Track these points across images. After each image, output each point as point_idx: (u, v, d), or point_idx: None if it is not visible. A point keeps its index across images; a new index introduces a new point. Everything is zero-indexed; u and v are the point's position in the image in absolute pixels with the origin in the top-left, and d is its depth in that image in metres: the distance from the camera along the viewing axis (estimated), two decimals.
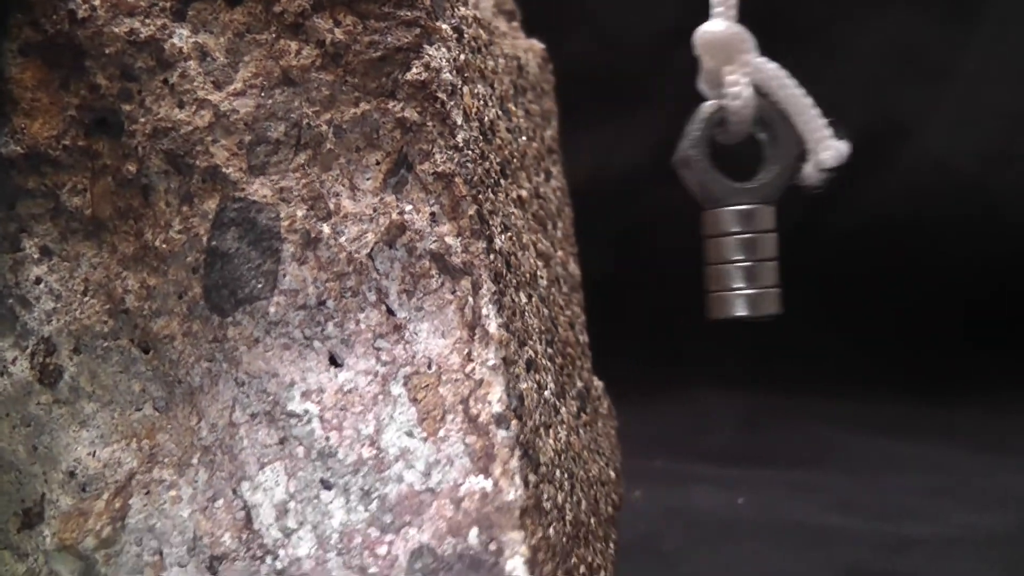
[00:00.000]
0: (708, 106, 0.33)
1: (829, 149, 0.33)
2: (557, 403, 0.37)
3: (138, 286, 0.34)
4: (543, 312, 0.37)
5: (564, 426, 0.37)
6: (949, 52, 0.79)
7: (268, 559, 0.33)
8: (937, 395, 0.76)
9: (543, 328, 0.36)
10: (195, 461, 0.34)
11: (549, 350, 0.37)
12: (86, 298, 0.34)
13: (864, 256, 0.81)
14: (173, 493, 0.34)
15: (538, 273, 0.37)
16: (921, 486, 0.59)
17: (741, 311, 0.34)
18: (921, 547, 0.49)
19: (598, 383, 0.42)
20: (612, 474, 0.41)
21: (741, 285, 0.33)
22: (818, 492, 0.58)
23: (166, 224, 0.33)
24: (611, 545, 0.39)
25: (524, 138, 0.39)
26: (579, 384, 0.40)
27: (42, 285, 0.34)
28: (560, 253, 0.41)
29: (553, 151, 0.43)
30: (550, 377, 0.36)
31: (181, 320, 0.33)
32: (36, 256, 0.34)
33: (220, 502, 0.33)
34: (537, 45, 0.43)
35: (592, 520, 0.38)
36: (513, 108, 0.38)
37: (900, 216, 0.80)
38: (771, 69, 0.33)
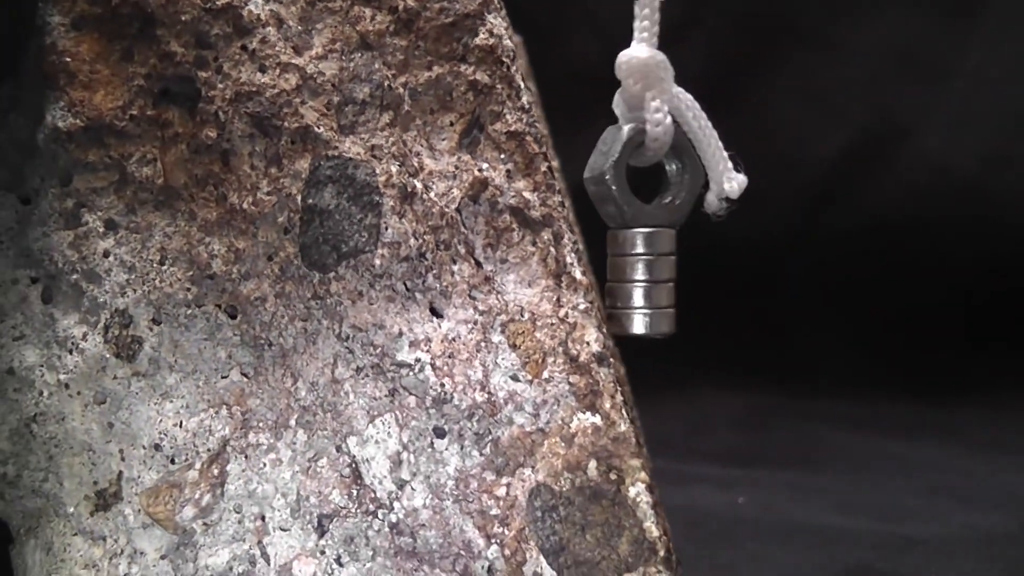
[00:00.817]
0: (629, 128, 0.35)
1: (731, 181, 0.34)
2: (616, 351, 0.38)
3: (224, 250, 0.34)
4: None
5: (620, 373, 0.38)
6: (949, 52, 0.79)
7: (381, 513, 0.33)
8: (937, 395, 0.76)
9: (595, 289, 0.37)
10: (293, 423, 0.34)
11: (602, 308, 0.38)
12: (164, 267, 0.34)
13: (864, 256, 0.81)
14: (272, 456, 0.34)
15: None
16: (921, 486, 0.59)
17: (639, 329, 0.35)
18: (921, 547, 0.49)
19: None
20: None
21: (640, 304, 0.35)
22: (818, 492, 0.59)
23: (253, 187, 0.33)
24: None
25: (540, 115, 0.40)
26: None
27: (111, 258, 0.33)
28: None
29: (550, 135, 0.44)
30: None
31: (272, 281, 0.34)
32: (101, 230, 0.33)
33: (324, 460, 0.34)
34: (517, 38, 0.45)
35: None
36: (531, 87, 0.39)
37: (900, 217, 0.80)
38: (688, 99, 0.35)
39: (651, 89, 0.34)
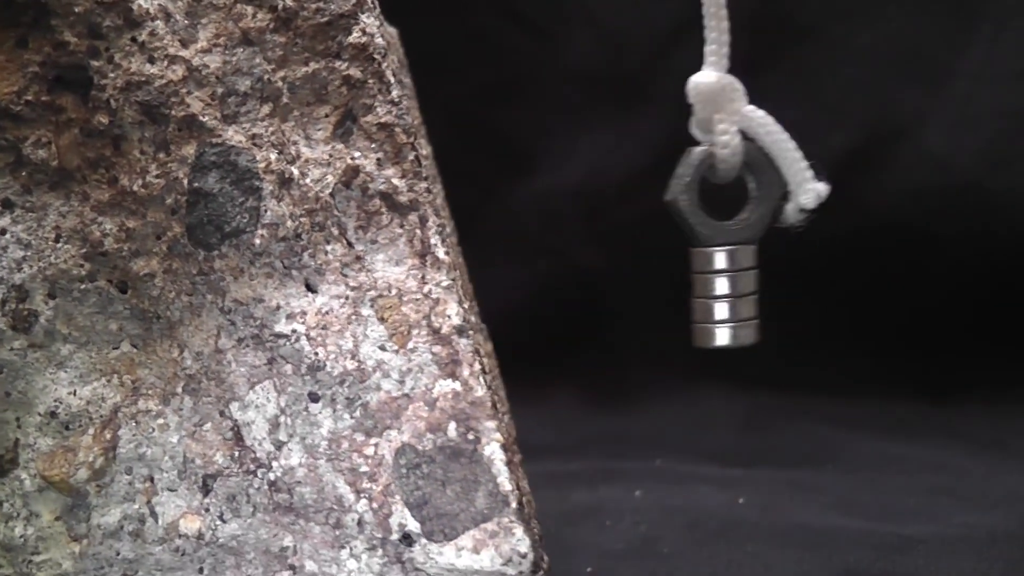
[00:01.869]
0: (698, 151, 0.36)
1: (810, 192, 0.36)
2: (482, 328, 0.42)
3: (116, 229, 0.35)
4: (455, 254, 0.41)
5: (484, 348, 0.41)
6: (949, 52, 0.79)
7: (261, 472, 0.36)
8: (937, 395, 0.76)
9: (461, 269, 0.40)
10: (179, 390, 0.36)
11: (468, 287, 0.41)
12: (59, 244, 0.35)
13: (863, 256, 0.81)
14: (161, 421, 0.36)
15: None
16: (921, 486, 0.59)
17: (723, 341, 0.37)
18: (921, 547, 0.48)
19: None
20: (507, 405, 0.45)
21: (724, 318, 0.36)
22: (818, 492, 0.58)
23: (142, 170, 0.35)
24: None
25: (413, 106, 0.42)
26: (475, 319, 0.44)
27: (7, 235, 0.35)
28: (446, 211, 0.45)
29: (422, 124, 0.46)
30: (474, 307, 0.41)
31: (161, 259, 0.36)
32: None
33: (208, 425, 0.36)
34: (392, 29, 0.47)
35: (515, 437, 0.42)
36: (404, 80, 0.42)
37: (900, 216, 0.80)
38: (759, 116, 0.37)
39: (719, 112, 0.36)
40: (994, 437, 0.69)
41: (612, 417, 0.77)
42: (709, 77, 0.35)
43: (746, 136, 0.36)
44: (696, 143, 0.36)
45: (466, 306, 0.37)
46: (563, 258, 0.82)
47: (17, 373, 0.36)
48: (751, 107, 0.35)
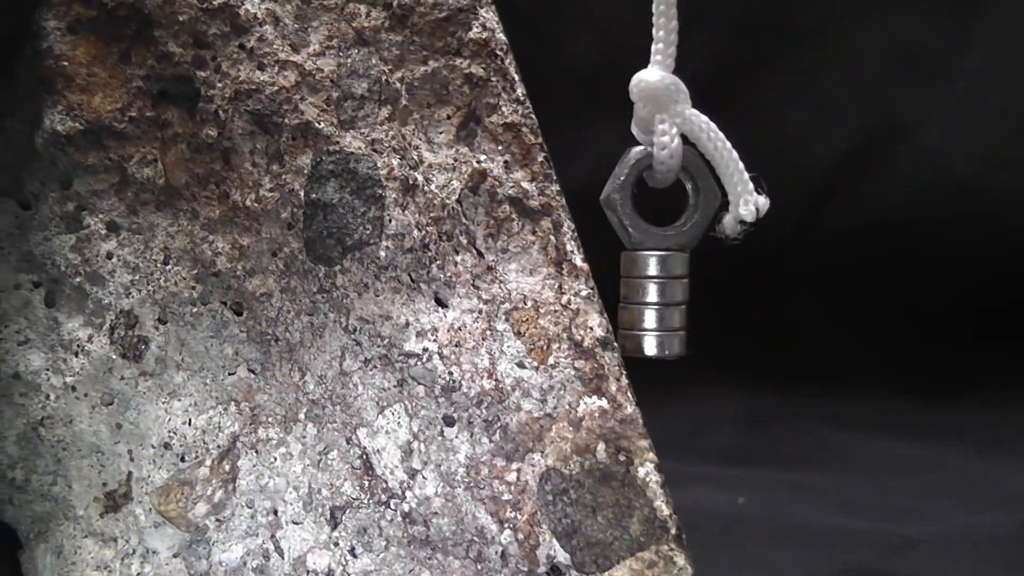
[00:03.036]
0: (636, 151, 0.35)
1: (748, 204, 0.34)
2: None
3: (229, 247, 0.34)
4: None
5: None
6: (949, 52, 0.79)
7: (393, 502, 0.33)
8: (937, 395, 0.76)
9: None
10: (302, 416, 0.34)
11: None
12: (168, 266, 0.34)
13: (864, 256, 0.81)
14: (283, 450, 0.34)
15: None
16: (921, 486, 0.59)
17: (650, 351, 0.35)
18: (922, 547, 0.49)
19: None
20: None
21: (652, 326, 0.35)
22: (818, 492, 0.58)
23: (255, 184, 0.33)
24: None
25: None
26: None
27: (114, 259, 0.34)
28: None
29: None
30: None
31: (277, 277, 0.34)
32: (103, 232, 0.34)
33: (334, 453, 0.34)
34: None
35: None
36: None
37: (900, 216, 0.80)
38: (701, 121, 0.35)
39: (660, 112, 0.34)
40: (994, 437, 0.69)
41: None
42: (653, 76, 0.34)
43: (687, 141, 0.34)
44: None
45: (606, 317, 0.34)
46: None
47: (128, 403, 0.34)
48: (694, 111, 0.34)
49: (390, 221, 0.33)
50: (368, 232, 0.33)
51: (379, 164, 0.33)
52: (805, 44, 0.79)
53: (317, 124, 0.33)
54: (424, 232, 0.33)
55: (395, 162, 0.33)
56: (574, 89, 0.82)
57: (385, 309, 0.34)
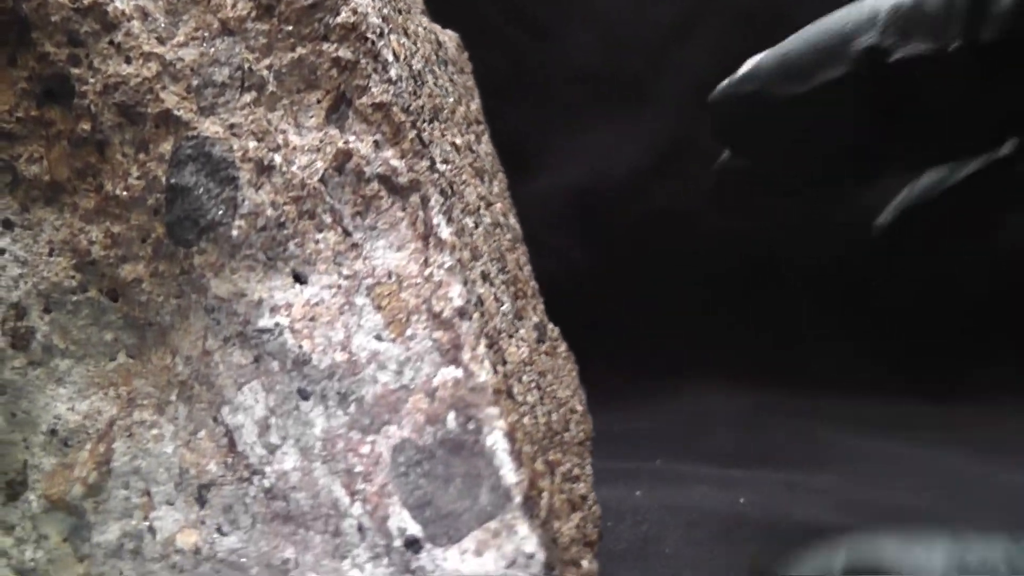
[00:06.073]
0: None
1: None
2: (515, 322, 0.38)
3: (102, 236, 0.35)
4: (491, 243, 0.38)
5: (525, 344, 0.38)
6: None
7: (255, 479, 0.34)
8: (937, 395, 0.76)
9: (493, 256, 0.38)
10: (173, 398, 0.35)
11: (502, 276, 0.39)
12: (51, 257, 0.35)
13: (864, 256, 0.81)
14: (155, 432, 0.35)
15: (481, 210, 0.39)
16: (921, 486, 0.59)
17: None
18: None
19: (554, 327, 0.43)
20: (579, 407, 0.42)
21: None
22: (818, 492, 0.58)
23: (124, 173, 0.35)
24: (587, 471, 0.39)
25: (451, 99, 0.40)
26: (535, 318, 0.41)
27: (6, 255, 0.35)
28: (499, 205, 0.42)
29: (480, 122, 0.45)
30: (506, 297, 0.38)
31: (147, 262, 0.35)
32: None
33: (203, 432, 0.35)
34: (452, 33, 0.45)
35: (566, 435, 0.39)
36: (437, 70, 0.40)
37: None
38: None
39: None
40: (994, 437, 0.69)
41: (612, 417, 0.77)
42: None
43: None
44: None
45: (472, 286, 0.34)
46: (563, 258, 0.82)
47: (20, 392, 0.35)
48: None
49: (243, 201, 0.34)
50: (221, 212, 0.34)
51: (235, 147, 0.34)
52: None
53: (176, 111, 0.34)
54: (280, 211, 0.34)
55: (251, 144, 0.34)
56: (574, 89, 0.82)
57: (240, 287, 0.34)
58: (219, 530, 0.34)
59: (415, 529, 0.32)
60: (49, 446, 0.35)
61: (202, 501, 0.34)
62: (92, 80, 0.34)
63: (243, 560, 0.34)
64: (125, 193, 0.35)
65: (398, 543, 0.32)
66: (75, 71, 0.34)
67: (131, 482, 0.35)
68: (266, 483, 0.34)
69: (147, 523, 0.35)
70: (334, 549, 0.33)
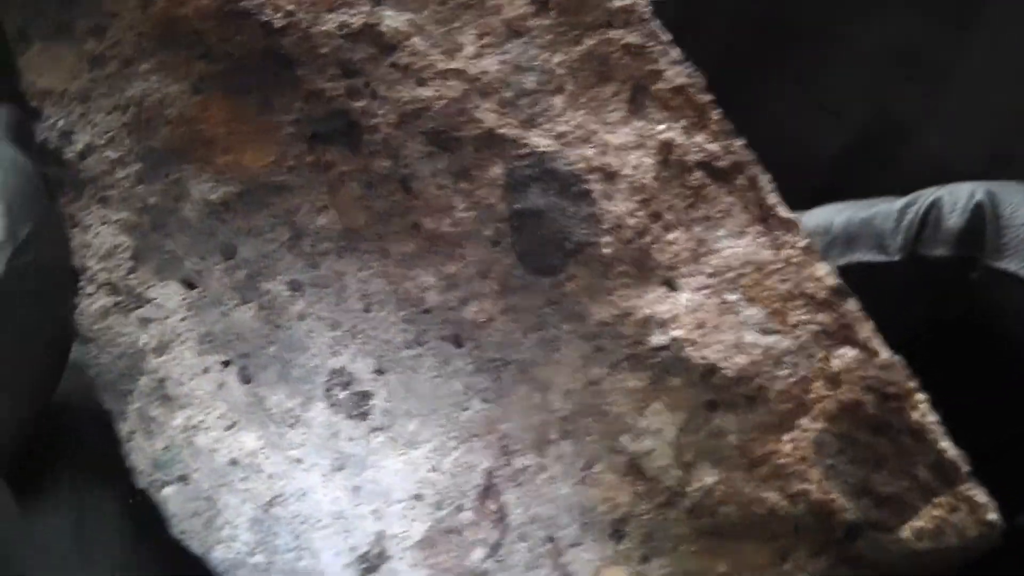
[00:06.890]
0: None
1: None
2: None
3: (434, 279, 0.32)
4: None
5: None
6: (949, 52, 0.79)
7: (678, 500, 0.32)
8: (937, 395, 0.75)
9: None
10: (554, 436, 0.32)
11: None
12: (371, 314, 0.32)
13: None
14: (545, 475, 0.32)
15: None
16: None
17: None
18: None
19: None
20: None
21: None
22: None
23: (446, 207, 0.32)
24: None
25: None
26: None
27: (308, 319, 0.32)
28: None
29: None
30: None
31: (494, 299, 0.32)
32: (286, 294, 0.32)
33: (598, 465, 0.32)
34: None
35: None
36: None
37: None
38: None
39: None
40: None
41: None
42: None
43: None
44: None
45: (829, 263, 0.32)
46: None
47: (363, 463, 0.32)
48: None
49: (604, 215, 0.32)
50: (585, 231, 0.32)
51: (573, 157, 0.32)
52: (805, 44, 0.79)
53: (499, 130, 0.31)
54: (637, 218, 0.32)
55: (588, 152, 0.32)
56: None
57: (623, 307, 0.32)
58: (644, 559, 0.32)
59: (858, 517, 0.31)
60: (413, 512, 0.32)
61: (619, 536, 0.32)
62: (381, 111, 0.31)
63: None
64: (453, 228, 0.32)
65: (839, 535, 0.31)
66: (356, 104, 0.31)
67: (530, 532, 0.32)
68: (687, 503, 0.32)
69: (561, 570, 0.32)
70: (772, 555, 0.31)
